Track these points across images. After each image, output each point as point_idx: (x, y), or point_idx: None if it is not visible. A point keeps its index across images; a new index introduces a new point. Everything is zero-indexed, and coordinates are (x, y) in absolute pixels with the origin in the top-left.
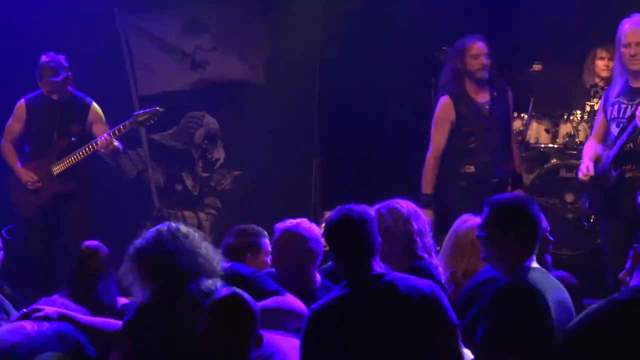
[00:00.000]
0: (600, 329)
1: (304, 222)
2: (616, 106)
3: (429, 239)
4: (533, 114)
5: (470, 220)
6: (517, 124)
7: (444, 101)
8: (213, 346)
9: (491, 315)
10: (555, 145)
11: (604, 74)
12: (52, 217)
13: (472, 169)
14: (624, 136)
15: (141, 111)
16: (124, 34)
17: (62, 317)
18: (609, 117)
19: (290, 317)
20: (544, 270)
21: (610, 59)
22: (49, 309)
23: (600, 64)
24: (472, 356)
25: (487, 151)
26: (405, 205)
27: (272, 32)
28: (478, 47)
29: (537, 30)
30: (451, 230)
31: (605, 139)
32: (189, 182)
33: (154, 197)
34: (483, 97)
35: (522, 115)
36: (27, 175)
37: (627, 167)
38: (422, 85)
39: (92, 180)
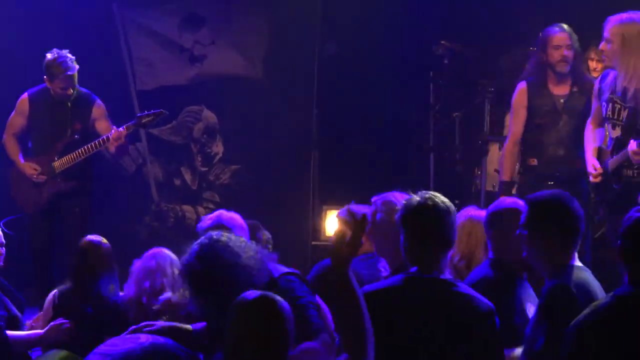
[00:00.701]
0: (606, 323)
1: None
2: (610, 105)
3: None
4: None
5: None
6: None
7: (520, 88)
8: (240, 352)
9: (549, 324)
10: None
11: (594, 74)
12: (52, 215)
13: (534, 162)
14: (619, 158)
15: (144, 113)
16: (123, 29)
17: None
18: (603, 113)
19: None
20: (585, 268)
21: (599, 60)
22: (159, 323)
23: (591, 64)
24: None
25: (554, 146)
26: (401, 198)
27: (271, 26)
28: (559, 38)
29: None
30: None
31: (602, 124)
32: (187, 177)
33: (152, 191)
34: (561, 90)
35: None
36: (30, 168)
37: (627, 173)
38: (420, 80)
39: (92, 179)
